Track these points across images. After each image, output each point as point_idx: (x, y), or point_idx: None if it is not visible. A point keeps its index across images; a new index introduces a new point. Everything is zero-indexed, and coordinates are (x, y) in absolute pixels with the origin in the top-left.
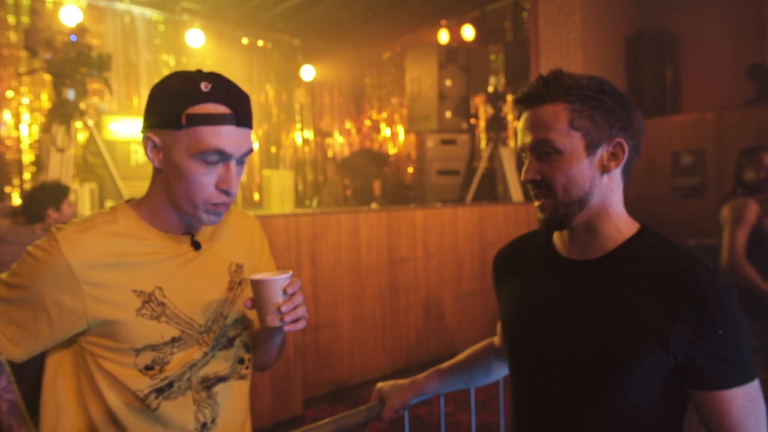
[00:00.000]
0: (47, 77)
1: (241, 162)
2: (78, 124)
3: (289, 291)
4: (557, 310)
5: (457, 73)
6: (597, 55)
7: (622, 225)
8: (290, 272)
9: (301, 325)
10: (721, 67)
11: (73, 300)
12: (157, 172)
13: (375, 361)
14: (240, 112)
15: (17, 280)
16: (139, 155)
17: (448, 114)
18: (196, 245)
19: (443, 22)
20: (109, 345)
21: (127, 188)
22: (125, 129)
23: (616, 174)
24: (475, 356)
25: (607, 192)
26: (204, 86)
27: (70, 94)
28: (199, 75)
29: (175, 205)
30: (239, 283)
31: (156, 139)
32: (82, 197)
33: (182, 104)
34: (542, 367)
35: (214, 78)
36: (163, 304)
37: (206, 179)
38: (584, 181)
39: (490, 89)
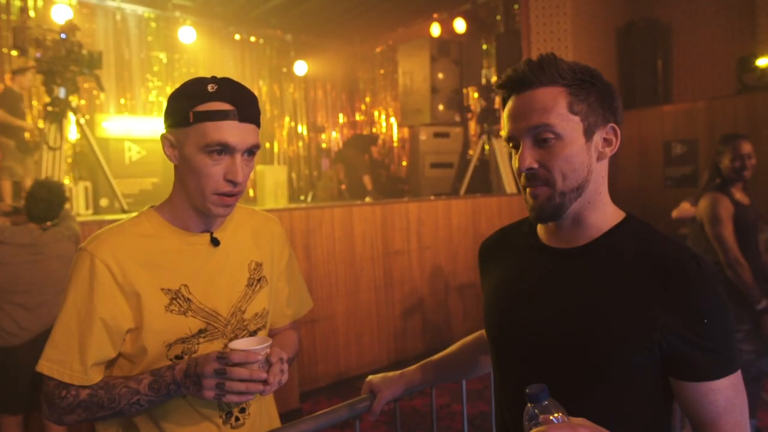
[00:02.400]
0: (28, 74)
1: (249, 155)
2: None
3: (266, 360)
4: (540, 300)
5: (449, 66)
6: (588, 46)
7: (608, 213)
8: (269, 342)
9: (276, 387)
10: (711, 57)
11: (119, 302)
12: (175, 169)
13: (371, 354)
14: (242, 108)
15: (71, 304)
16: (132, 152)
17: (441, 107)
18: (215, 242)
19: (435, 15)
20: (143, 348)
21: (121, 186)
22: (118, 126)
23: (606, 161)
24: (465, 349)
25: (599, 179)
26: (210, 87)
27: (61, 92)
28: (209, 79)
29: (189, 199)
30: (258, 280)
31: (171, 137)
32: (77, 195)
33: (190, 104)
34: (525, 357)
35: (222, 81)
36: (189, 300)
37: (214, 170)
38: (583, 168)
39: (483, 81)
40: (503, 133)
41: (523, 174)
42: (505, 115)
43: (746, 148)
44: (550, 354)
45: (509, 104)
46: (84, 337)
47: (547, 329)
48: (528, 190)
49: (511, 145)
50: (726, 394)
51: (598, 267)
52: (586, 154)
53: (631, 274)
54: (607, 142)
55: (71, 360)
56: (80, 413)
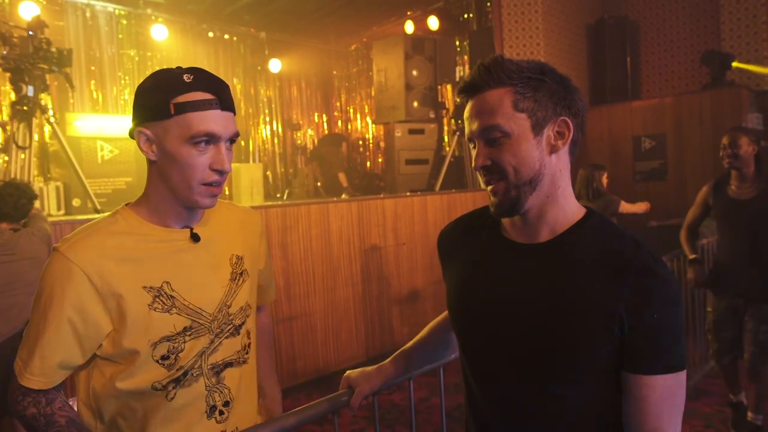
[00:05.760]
0: None
1: (231, 143)
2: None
3: None
4: (505, 294)
5: (423, 63)
6: (559, 43)
7: (569, 209)
8: None
9: None
10: (678, 53)
11: (93, 306)
12: (151, 164)
13: (350, 350)
14: (222, 97)
15: (42, 306)
16: (105, 152)
17: (415, 104)
18: (195, 238)
19: (409, 13)
20: (128, 349)
21: (93, 185)
22: (90, 125)
23: (564, 154)
24: (434, 331)
25: (556, 172)
26: (186, 77)
27: (29, 90)
28: (181, 69)
29: (173, 192)
30: (240, 274)
31: (148, 132)
32: (48, 195)
33: (169, 95)
34: (490, 350)
35: (195, 70)
36: (172, 297)
37: (199, 161)
38: (534, 162)
39: (457, 78)
40: (466, 134)
41: (481, 171)
42: (464, 118)
43: (724, 140)
44: (515, 347)
45: (467, 107)
46: (50, 340)
47: (512, 323)
48: (489, 188)
49: (472, 145)
50: (659, 393)
51: (560, 263)
52: (536, 149)
53: (592, 270)
54: (559, 135)
55: (33, 363)
56: (24, 424)
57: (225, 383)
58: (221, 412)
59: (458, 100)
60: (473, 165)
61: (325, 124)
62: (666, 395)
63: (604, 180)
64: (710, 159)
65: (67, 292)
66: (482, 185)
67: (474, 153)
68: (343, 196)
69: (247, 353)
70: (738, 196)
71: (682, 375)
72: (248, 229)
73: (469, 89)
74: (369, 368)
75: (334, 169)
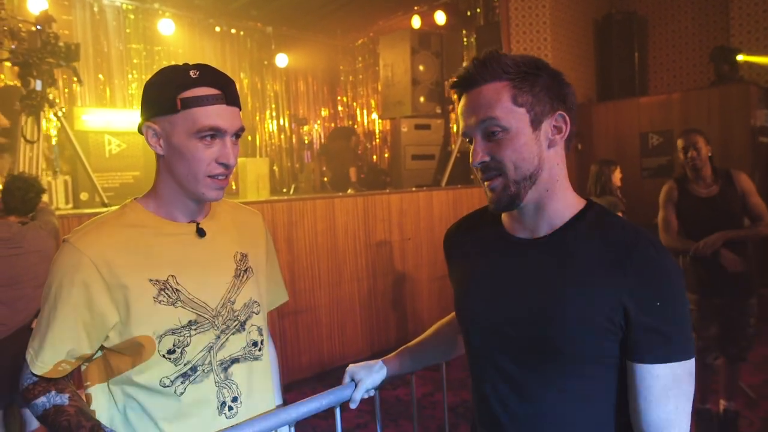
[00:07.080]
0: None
1: (236, 137)
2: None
3: None
4: (508, 289)
5: (429, 58)
6: (566, 38)
7: (568, 201)
8: None
9: None
10: (686, 49)
11: (101, 296)
12: (159, 158)
13: (354, 344)
14: (227, 92)
15: (52, 296)
16: (112, 146)
17: (422, 99)
18: (201, 232)
19: (416, 7)
20: (133, 341)
21: (101, 180)
22: (98, 119)
23: (560, 148)
24: (441, 331)
25: (553, 166)
26: (193, 73)
27: (38, 84)
28: (187, 65)
29: (180, 185)
30: (245, 271)
31: (155, 126)
32: (56, 189)
33: (176, 91)
34: (496, 346)
35: (201, 66)
36: (177, 290)
37: (205, 155)
38: (533, 157)
39: None
40: (461, 129)
41: (479, 167)
42: (458, 113)
43: (680, 142)
44: (521, 341)
45: (461, 102)
46: (60, 329)
47: (517, 318)
48: (486, 183)
49: (468, 140)
50: (663, 382)
51: (560, 257)
52: (535, 144)
53: (592, 262)
54: (557, 129)
55: (44, 352)
56: (34, 412)
57: (233, 379)
58: (230, 408)
59: (454, 97)
60: (471, 161)
61: (331, 119)
62: (671, 384)
63: (617, 176)
64: (717, 156)
65: (75, 281)
66: (480, 181)
67: (472, 148)
68: (349, 191)
69: (260, 350)
70: (702, 195)
71: (689, 363)
72: (252, 228)
73: (463, 83)
74: (372, 362)
75: (344, 163)
